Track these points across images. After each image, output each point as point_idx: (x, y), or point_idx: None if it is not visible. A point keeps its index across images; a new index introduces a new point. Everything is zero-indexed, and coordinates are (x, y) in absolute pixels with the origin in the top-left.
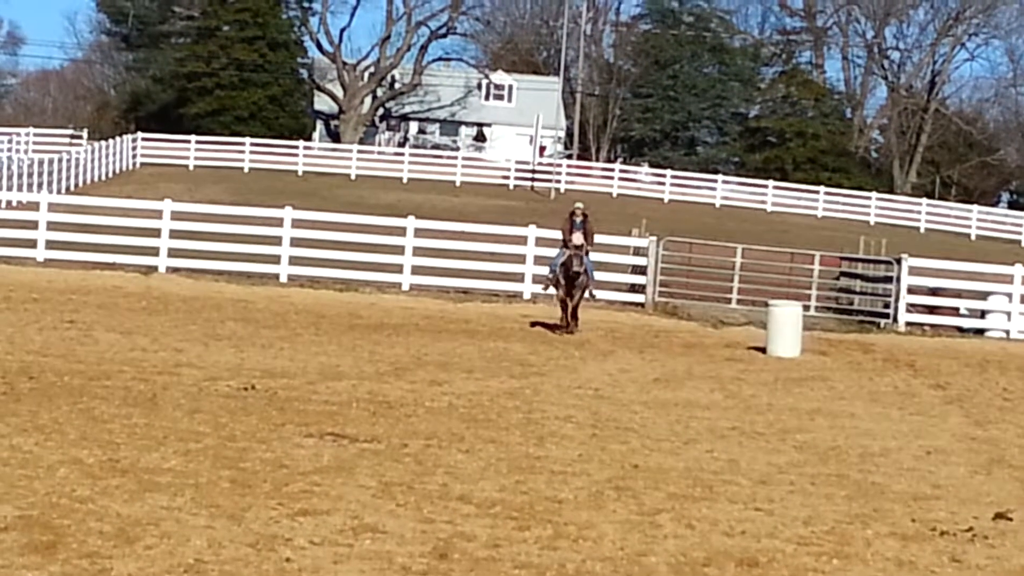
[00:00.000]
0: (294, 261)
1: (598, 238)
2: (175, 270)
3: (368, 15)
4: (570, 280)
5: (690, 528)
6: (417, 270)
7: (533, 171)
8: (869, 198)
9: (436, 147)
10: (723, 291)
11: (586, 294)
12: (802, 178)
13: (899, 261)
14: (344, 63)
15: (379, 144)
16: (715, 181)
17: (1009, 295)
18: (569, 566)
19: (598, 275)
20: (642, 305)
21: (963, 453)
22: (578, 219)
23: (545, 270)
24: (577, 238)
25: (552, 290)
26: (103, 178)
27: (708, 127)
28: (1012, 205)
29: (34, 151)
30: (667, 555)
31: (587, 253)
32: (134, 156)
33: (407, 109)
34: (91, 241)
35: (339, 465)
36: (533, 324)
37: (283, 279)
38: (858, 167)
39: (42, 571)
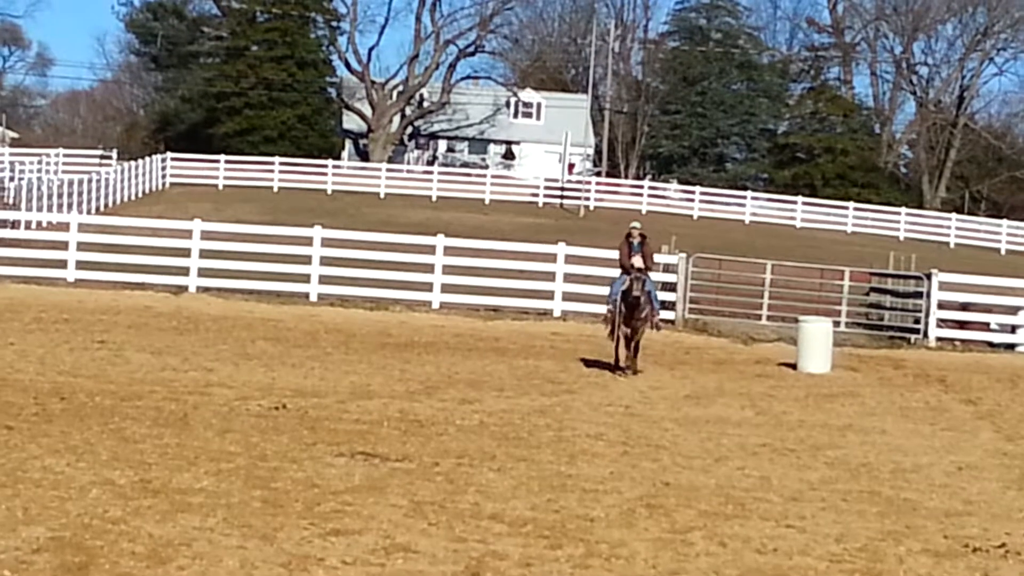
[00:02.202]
0: (324, 280)
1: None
2: (205, 290)
3: (396, 34)
4: (631, 309)
5: (722, 546)
6: (447, 288)
7: (562, 188)
8: (898, 213)
9: (465, 165)
10: (753, 307)
11: (649, 327)
12: (831, 194)
13: (929, 276)
14: (372, 82)
15: (408, 162)
16: (744, 197)
17: None
18: None
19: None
20: (672, 322)
21: (995, 468)
22: (635, 240)
23: (578, 288)
24: (637, 261)
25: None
26: (133, 198)
27: (737, 143)
28: None
29: (64, 172)
30: (699, 573)
31: (647, 278)
32: (163, 176)
33: (436, 127)
34: (121, 261)
35: (370, 484)
36: (588, 363)
37: (313, 298)
38: (887, 182)
39: None
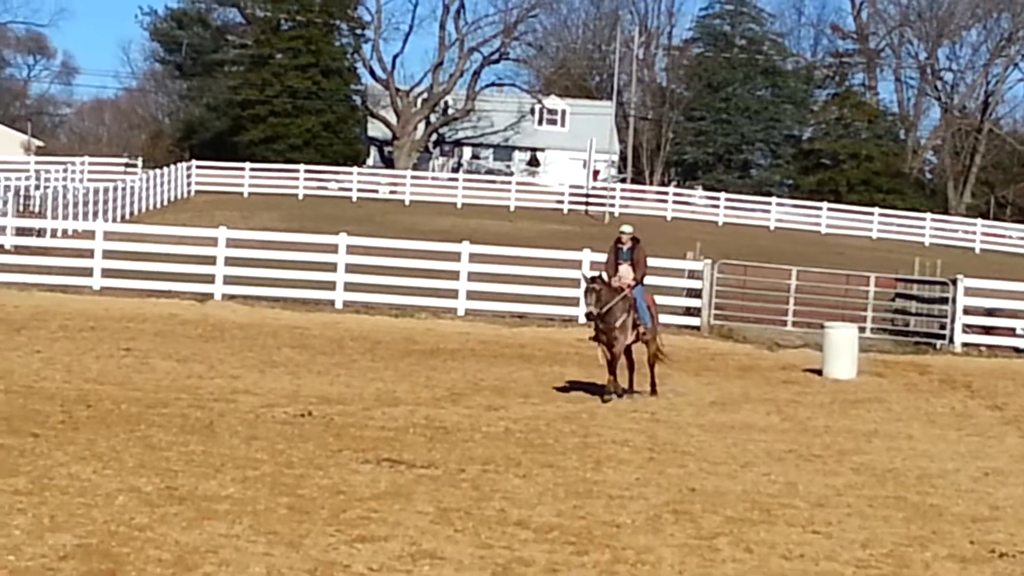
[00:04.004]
0: (349, 287)
1: (654, 261)
2: (231, 297)
3: (421, 41)
4: (605, 324)
5: (748, 552)
6: (472, 295)
7: (587, 195)
8: (924, 219)
9: (490, 172)
10: (778, 313)
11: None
12: (856, 200)
13: (954, 282)
14: (397, 89)
15: (433, 170)
16: (769, 204)
17: None
18: None
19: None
20: (698, 328)
21: (1021, 474)
22: (625, 247)
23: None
24: (625, 271)
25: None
26: (158, 206)
27: (761, 150)
28: None
29: (89, 180)
30: None
31: (635, 287)
32: (189, 184)
33: (460, 134)
34: (147, 269)
35: (396, 491)
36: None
37: (338, 305)
38: (912, 188)
39: None
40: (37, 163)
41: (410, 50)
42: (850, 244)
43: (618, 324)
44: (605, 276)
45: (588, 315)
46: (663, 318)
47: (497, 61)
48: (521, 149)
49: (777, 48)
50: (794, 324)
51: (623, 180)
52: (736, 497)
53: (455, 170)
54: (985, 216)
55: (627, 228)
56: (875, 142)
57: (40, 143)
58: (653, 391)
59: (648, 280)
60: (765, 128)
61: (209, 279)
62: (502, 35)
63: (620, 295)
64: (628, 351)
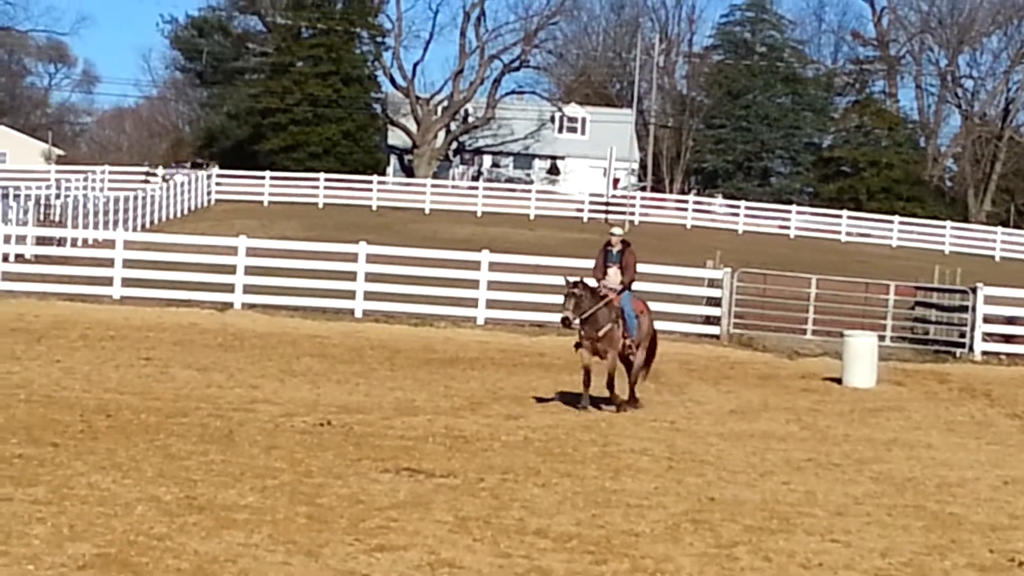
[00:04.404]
0: (369, 296)
1: (673, 270)
2: (250, 306)
3: (441, 49)
4: (588, 331)
5: (767, 560)
6: (492, 304)
7: (607, 203)
8: (944, 227)
9: (510, 180)
10: (798, 322)
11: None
12: (876, 208)
13: (974, 290)
14: (417, 97)
15: (453, 178)
16: (789, 212)
17: None
18: None
19: (661, 307)
20: (717, 337)
21: None
22: (615, 249)
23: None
24: (613, 275)
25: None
26: (178, 215)
27: (781, 157)
28: None
29: (110, 189)
30: None
31: (622, 293)
32: (209, 193)
33: (481, 143)
34: (167, 278)
35: (415, 500)
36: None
37: (358, 314)
38: (932, 196)
39: None
40: (58, 172)
41: (430, 58)
42: (870, 252)
43: (602, 334)
44: (593, 280)
45: (563, 320)
46: (682, 327)
47: (517, 69)
48: (541, 157)
49: (797, 55)
50: (814, 332)
51: (643, 188)
52: (755, 506)
53: (475, 178)
54: (1005, 224)
55: (617, 230)
56: (895, 150)
57: (61, 152)
58: (617, 402)
59: (667, 288)
60: (785, 136)
61: (229, 288)
62: (522, 43)
63: (604, 302)
64: (626, 360)
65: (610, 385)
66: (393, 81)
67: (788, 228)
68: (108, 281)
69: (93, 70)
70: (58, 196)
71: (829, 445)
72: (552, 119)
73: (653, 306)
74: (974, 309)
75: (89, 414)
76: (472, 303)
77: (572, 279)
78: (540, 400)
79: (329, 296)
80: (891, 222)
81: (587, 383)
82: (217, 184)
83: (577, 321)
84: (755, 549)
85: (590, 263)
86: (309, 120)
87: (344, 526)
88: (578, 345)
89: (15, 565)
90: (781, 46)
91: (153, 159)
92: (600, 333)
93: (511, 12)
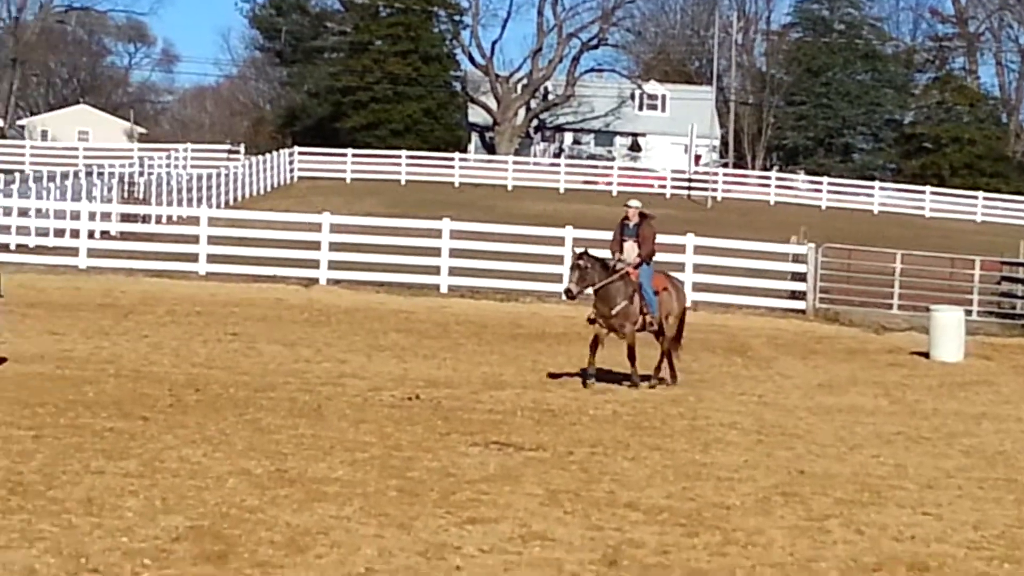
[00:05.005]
0: (454, 272)
1: (758, 245)
2: (336, 282)
3: (519, 27)
4: (600, 305)
5: (859, 533)
6: None
7: (689, 180)
8: None
9: (591, 157)
10: (884, 297)
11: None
12: (959, 184)
13: None
14: (497, 75)
15: (534, 155)
16: (872, 188)
17: None
18: (739, 572)
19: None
20: (803, 311)
21: None
22: (631, 222)
23: (707, 278)
24: (629, 249)
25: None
26: (261, 192)
27: (863, 133)
28: None
29: (192, 167)
30: (837, 560)
31: (641, 268)
32: (291, 170)
33: (561, 120)
34: (251, 254)
35: (505, 473)
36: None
37: (443, 290)
38: (1016, 172)
39: None
40: (140, 150)
41: (509, 36)
42: (954, 228)
43: (616, 311)
44: (609, 253)
45: (566, 292)
46: (767, 302)
47: (596, 47)
48: (622, 134)
49: (876, 32)
50: (900, 307)
51: (725, 165)
52: (845, 479)
53: (557, 155)
54: None
55: (634, 203)
56: (977, 126)
57: (143, 130)
58: (672, 377)
59: (751, 263)
60: (866, 112)
61: (314, 264)
62: (600, 21)
63: (617, 276)
64: (657, 334)
65: (631, 360)
66: (472, 59)
67: (871, 204)
68: (194, 257)
69: (172, 49)
70: (142, 174)
71: (918, 419)
72: (632, 96)
73: (739, 281)
74: None
75: (178, 388)
76: (557, 278)
77: (578, 250)
78: (553, 376)
79: (414, 272)
80: (975, 198)
81: (593, 356)
82: (300, 162)
83: (590, 291)
84: (847, 522)
85: (673, 238)
86: (389, 98)
87: (435, 499)
88: (591, 320)
89: (109, 537)
90: (860, 23)
91: (235, 137)
92: (614, 310)
93: None
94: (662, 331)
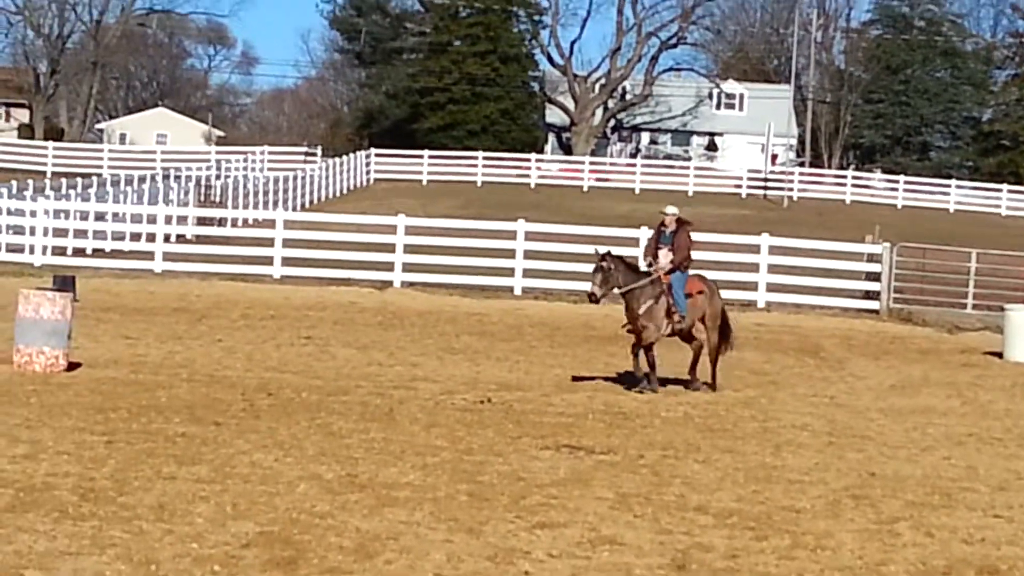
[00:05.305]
0: (528, 274)
1: (832, 245)
2: (410, 284)
3: (598, 27)
4: (627, 311)
5: (929, 536)
6: None
7: (765, 179)
8: None
9: (668, 157)
10: (958, 296)
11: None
12: None
13: None
14: (575, 75)
15: (611, 155)
16: (949, 186)
17: None
18: None
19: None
20: (877, 311)
21: None
22: (668, 229)
23: (783, 279)
24: (663, 257)
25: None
26: (338, 194)
27: (941, 132)
28: None
29: (269, 169)
30: (907, 564)
31: (673, 273)
32: (368, 172)
33: (638, 120)
34: (326, 257)
35: (576, 477)
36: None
37: (517, 292)
38: None
39: None
40: (218, 152)
41: (587, 35)
42: None
43: (643, 311)
44: (644, 260)
45: (589, 296)
46: (841, 302)
47: (675, 46)
48: (699, 134)
49: (956, 29)
50: (974, 307)
51: (801, 164)
52: (916, 481)
53: (633, 155)
54: None
55: (671, 209)
56: None
57: (221, 133)
58: (712, 384)
59: (824, 263)
60: (944, 110)
61: (388, 267)
62: (679, 19)
63: (646, 278)
64: (688, 337)
65: (650, 364)
66: (550, 59)
67: (948, 203)
68: (268, 261)
69: (252, 52)
70: (218, 177)
71: (990, 420)
72: (710, 95)
73: (813, 281)
74: None
75: (251, 393)
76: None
77: (601, 250)
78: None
79: (488, 274)
80: None
81: (636, 361)
82: (376, 163)
83: (617, 292)
84: (917, 525)
85: (749, 239)
86: (467, 99)
87: (505, 503)
88: (629, 330)
89: (180, 543)
90: (940, 20)
91: (312, 139)
92: (641, 310)
93: None
94: (692, 335)
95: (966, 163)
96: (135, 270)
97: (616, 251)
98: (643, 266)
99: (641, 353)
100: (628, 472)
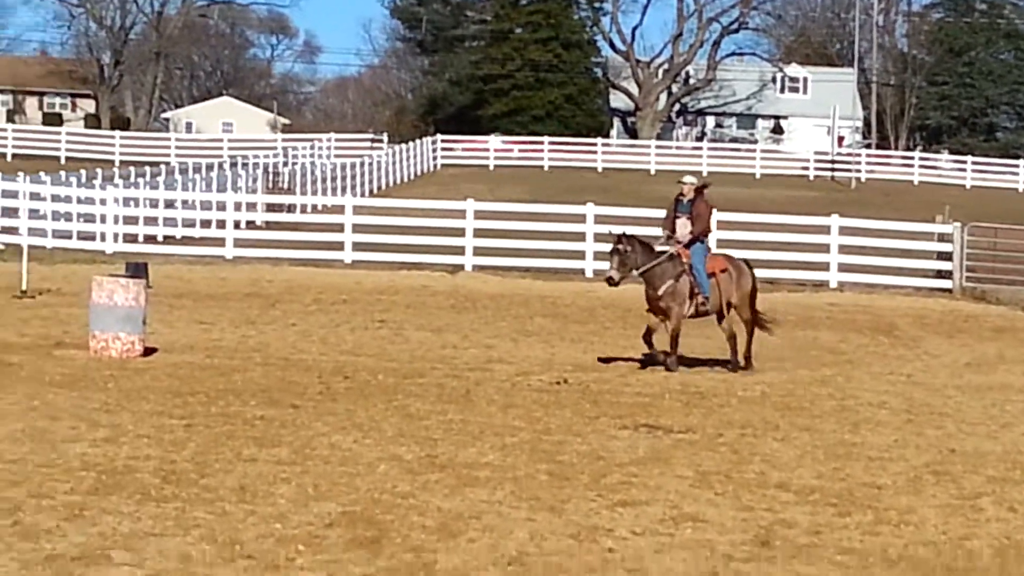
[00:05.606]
0: (599, 256)
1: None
2: (481, 268)
3: (659, 13)
4: (648, 289)
5: (1012, 511)
6: None
7: (833, 161)
8: None
9: (734, 140)
10: None
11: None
12: None
13: None
14: (638, 61)
15: (676, 139)
16: (1017, 166)
17: None
18: (892, 551)
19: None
20: (949, 291)
21: None
22: (686, 199)
23: (853, 259)
24: (681, 227)
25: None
26: (404, 180)
27: (1007, 112)
28: None
29: (336, 156)
30: (990, 538)
31: (692, 246)
32: (434, 158)
33: (703, 104)
34: (396, 242)
35: (655, 456)
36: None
37: (588, 274)
38: None
39: (369, 566)
40: (284, 140)
41: (649, 21)
42: None
43: (662, 291)
44: (662, 232)
45: (608, 279)
46: (913, 281)
47: (736, 31)
48: (764, 117)
49: (1018, 12)
50: None
51: (868, 146)
52: (997, 457)
53: (699, 139)
54: None
55: (688, 179)
56: None
57: (286, 121)
58: (747, 362)
59: (896, 243)
60: (1010, 91)
61: (459, 251)
62: (740, 5)
63: (665, 257)
64: (719, 317)
65: (673, 345)
66: (612, 45)
67: (1017, 182)
68: (339, 246)
69: (314, 41)
70: (286, 164)
71: None
72: (773, 79)
73: (883, 261)
74: None
75: (327, 376)
76: None
77: (616, 231)
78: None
79: (559, 257)
80: None
81: (650, 348)
82: (443, 149)
83: (636, 274)
84: (999, 500)
85: (817, 219)
86: (531, 85)
87: (585, 482)
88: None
89: (263, 524)
90: (1002, 3)
91: (377, 126)
92: (660, 291)
93: None
94: (722, 315)
95: None
96: (206, 257)
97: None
98: (663, 239)
99: (662, 332)
100: (707, 451)
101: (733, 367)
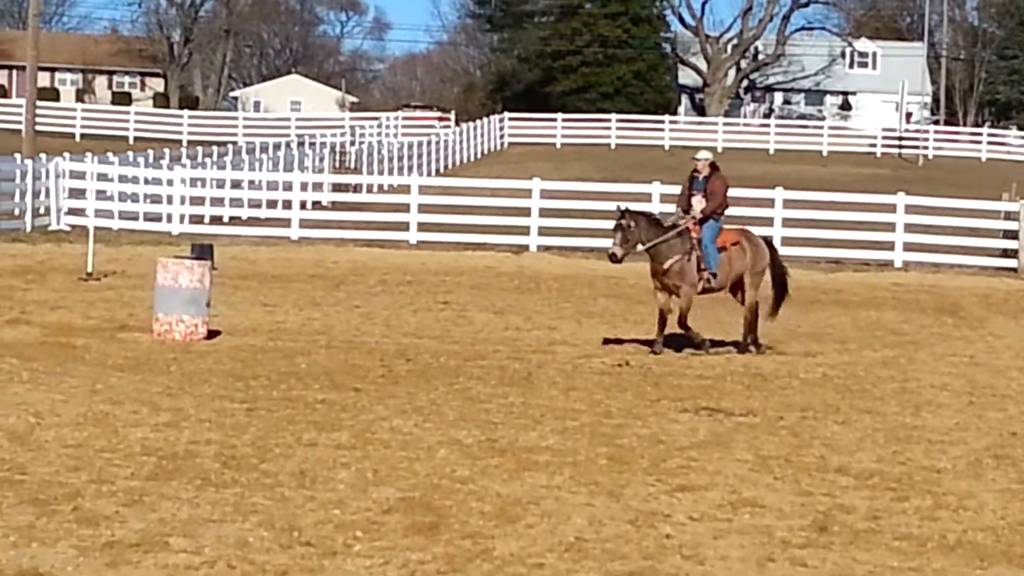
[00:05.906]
0: None
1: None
2: (546, 248)
3: None
4: (654, 266)
5: None
6: (787, 241)
7: (900, 138)
8: None
9: (801, 117)
10: None
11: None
12: None
13: None
14: (707, 36)
15: (744, 116)
16: None
17: None
18: (950, 536)
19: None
20: (1015, 270)
21: None
22: (701, 175)
23: (920, 238)
24: (696, 204)
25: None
26: (472, 159)
27: None
28: None
29: (403, 135)
30: None
31: (703, 222)
32: (502, 136)
33: (771, 80)
34: (462, 222)
35: (715, 439)
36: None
37: None
38: None
39: (426, 552)
40: (352, 119)
41: None
42: None
43: (667, 266)
44: (677, 209)
45: (611, 256)
46: (979, 260)
47: (806, 5)
48: (832, 93)
49: None
50: None
51: (936, 122)
52: None
53: (767, 116)
54: None
55: (703, 155)
56: None
57: (354, 99)
58: (755, 343)
59: (964, 223)
60: None
61: (524, 231)
62: None
63: (673, 233)
64: (734, 291)
65: (682, 325)
66: (682, 20)
67: None
68: (404, 226)
69: (384, 17)
70: (353, 143)
71: None
72: (843, 54)
73: (950, 240)
74: None
75: (389, 358)
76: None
77: (621, 207)
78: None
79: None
80: None
81: (660, 331)
82: (510, 127)
83: (641, 249)
84: None
85: (885, 198)
86: (599, 61)
87: (645, 466)
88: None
89: (321, 510)
90: None
91: (445, 104)
92: (665, 266)
93: None
94: (736, 290)
95: None
96: (272, 237)
97: (753, 212)
98: (676, 216)
99: (669, 319)
100: (767, 434)
101: (742, 348)
